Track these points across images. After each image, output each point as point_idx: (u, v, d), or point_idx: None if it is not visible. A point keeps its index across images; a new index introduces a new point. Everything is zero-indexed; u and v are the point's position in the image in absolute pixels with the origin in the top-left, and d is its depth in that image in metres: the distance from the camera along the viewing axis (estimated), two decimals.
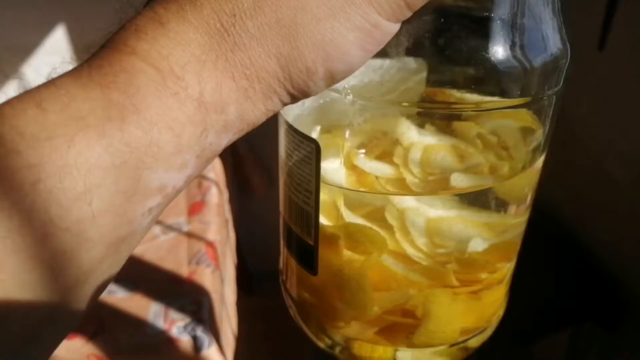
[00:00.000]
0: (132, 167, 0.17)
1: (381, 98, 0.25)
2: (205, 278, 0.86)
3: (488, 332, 0.31)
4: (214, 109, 0.18)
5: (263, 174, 1.27)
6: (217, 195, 1.04)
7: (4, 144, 0.16)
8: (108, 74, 0.17)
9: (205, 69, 0.18)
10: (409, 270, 0.27)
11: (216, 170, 1.09)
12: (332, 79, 0.20)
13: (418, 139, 0.26)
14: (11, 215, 0.16)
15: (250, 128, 0.20)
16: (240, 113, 0.19)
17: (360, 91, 0.24)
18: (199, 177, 1.03)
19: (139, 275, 0.85)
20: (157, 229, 0.95)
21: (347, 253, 0.27)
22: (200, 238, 0.94)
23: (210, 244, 0.93)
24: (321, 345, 0.30)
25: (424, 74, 0.24)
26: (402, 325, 0.28)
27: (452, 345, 0.29)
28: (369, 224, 0.26)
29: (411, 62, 0.24)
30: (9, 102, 0.17)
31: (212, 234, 0.95)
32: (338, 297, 0.28)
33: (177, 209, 1.00)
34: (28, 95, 0.17)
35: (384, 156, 0.27)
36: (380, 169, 0.26)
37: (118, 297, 0.81)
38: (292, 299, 0.32)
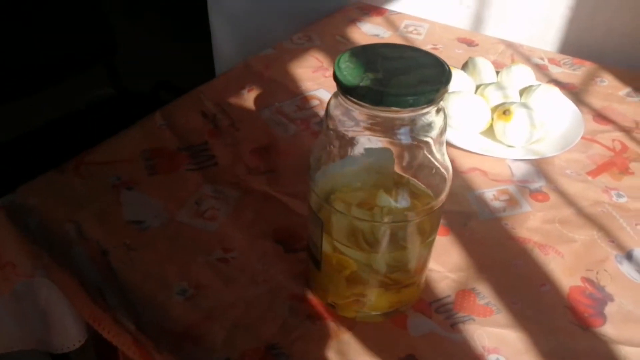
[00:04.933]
0: None
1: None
2: None
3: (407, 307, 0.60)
4: None
5: None
6: None
7: None
8: None
9: None
10: (366, 276, 0.55)
11: None
12: None
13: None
14: None
15: None
16: None
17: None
18: None
19: None
20: None
21: (334, 265, 0.56)
22: None
23: None
24: (323, 301, 0.60)
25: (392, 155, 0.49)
26: (358, 301, 0.57)
27: (384, 313, 0.59)
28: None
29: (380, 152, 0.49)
30: None
31: None
32: (330, 282, 0.58)
33: None
34: None
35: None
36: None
37: None
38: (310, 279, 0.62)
